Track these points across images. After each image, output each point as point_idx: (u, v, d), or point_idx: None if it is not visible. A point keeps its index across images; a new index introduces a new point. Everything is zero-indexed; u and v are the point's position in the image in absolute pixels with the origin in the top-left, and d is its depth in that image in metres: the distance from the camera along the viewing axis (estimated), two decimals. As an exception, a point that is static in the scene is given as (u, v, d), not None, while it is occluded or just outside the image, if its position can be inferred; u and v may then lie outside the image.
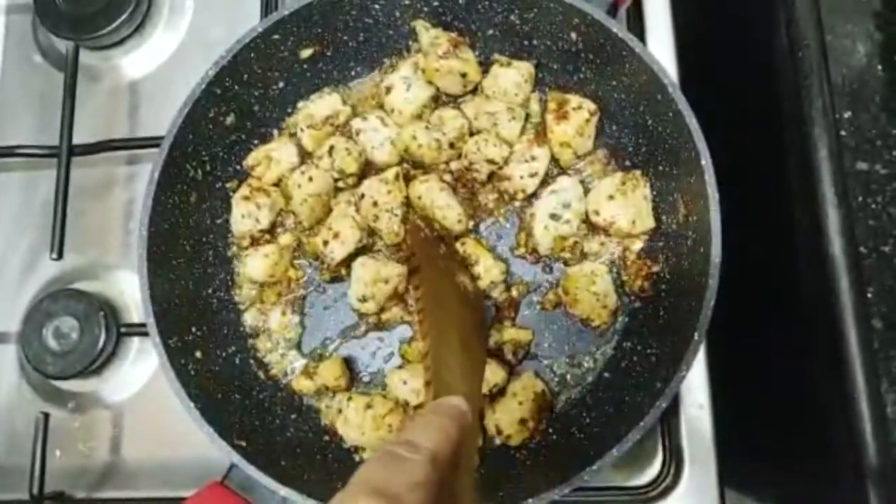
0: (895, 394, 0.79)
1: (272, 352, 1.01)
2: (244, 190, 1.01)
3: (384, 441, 0.61)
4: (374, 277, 0.96)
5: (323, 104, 1.03)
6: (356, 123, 1.02)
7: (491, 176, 1.00)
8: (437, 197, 0.97)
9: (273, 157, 1.02)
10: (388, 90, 1.02)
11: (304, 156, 1.04)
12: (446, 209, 0.97)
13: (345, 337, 1.01)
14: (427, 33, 1.00)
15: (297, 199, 1.00)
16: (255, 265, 1.00)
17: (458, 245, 0.98)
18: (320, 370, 0.97)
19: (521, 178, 0.98)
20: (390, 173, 0.99)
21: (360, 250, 0.99)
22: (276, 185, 1.03)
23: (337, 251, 0.98)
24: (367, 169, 1.03)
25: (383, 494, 0.50)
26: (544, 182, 0.99)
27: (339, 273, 1.00)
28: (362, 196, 0.98)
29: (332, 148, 1.00)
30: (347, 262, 0.99)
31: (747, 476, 1.09)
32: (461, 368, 0.74)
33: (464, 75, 1.00)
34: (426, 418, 0.63)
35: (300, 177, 1.00)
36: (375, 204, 0.97)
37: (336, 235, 0.98)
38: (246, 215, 1.00)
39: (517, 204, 1.01)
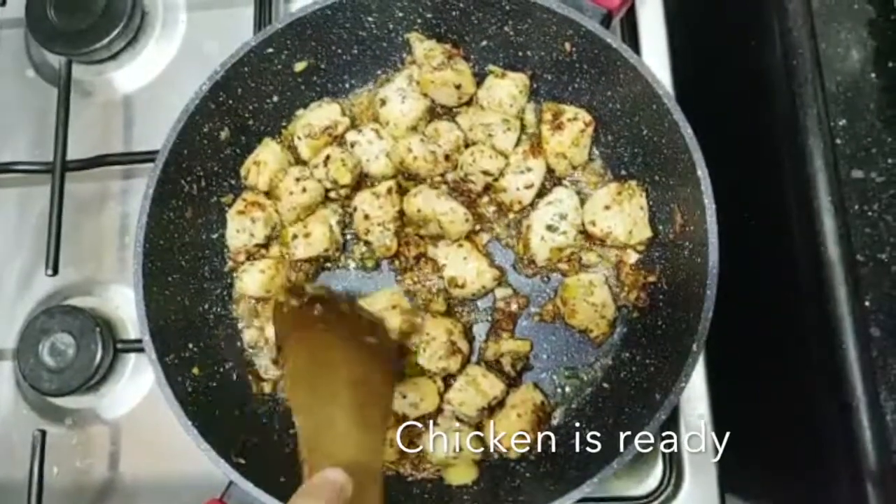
0: (894, 402, 0.79)
1: (270, 367, 1.01)
2: (239, 204, 1.01)
3: None
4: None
5: (322, 113, 1.03)
6: (351, 136, 1.02)
7: (487, 187, 1.00)
8: (437, 204, 0.97)
9: (260, 162, 1.01)
10: (383, 102, 1.01)
11: (295, 157, 1.03)
12: (451, 213, 0.97)
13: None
14: (421, 45, 1.00)
15: (285, 204, 1.00)
16: (250, 280, 1.00)
17: (454, 247, 0.98)
18: (318, 385, 0.96)
19: (517, 189, 0.98)
20: (382, 187, 0.98)
21: (324, 260, 1.01)
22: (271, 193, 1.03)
23: (300, 249, 0.99)
24: (363, 181, 1.03)
25: None
26: (541, 193, 0.99)
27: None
28: (355, 209, 0.98)
29: (328, 157, 1.00)
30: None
31: (748, 483, 1.09)
32: (352, 424, 0.74)
33: (458, 87, 1.00)
34: (302, 500, 0.65)
35: (294, 185, 1.00)
36: (367, 217, 0.97)
37: (307, 235, 0.99)
38: (241, 230, 1.00)
39: (513, 216, 1.01)
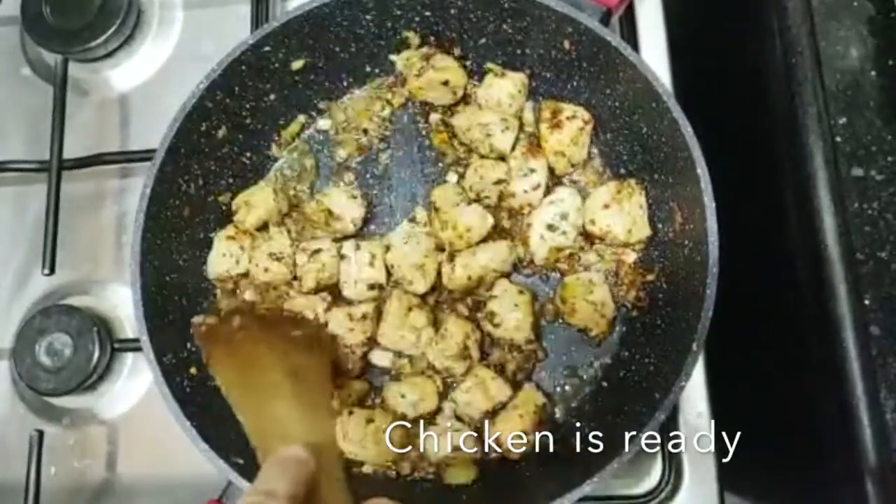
0: (894, 400, 0.79)
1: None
2: (230, 230, 1.00)
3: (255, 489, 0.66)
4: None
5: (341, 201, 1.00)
6: (347, 248, 0.97)
7: (501, 197, 0.98)
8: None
9: (251, 204, 1.00)
10: (388, 249, 0.97)
11: (289, 205, 1.02)
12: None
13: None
14: (399, 58, 1.01)
15: (252, 274, 0.99)
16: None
17: None
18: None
19: (525, 192, 0.97)
20: (357, 310, 0.96)
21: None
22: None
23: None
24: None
25: None
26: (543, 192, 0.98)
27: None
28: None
29: (315, 252, 0.97)
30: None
31: (748, 483, 1.09)
32: (300, 409, 0.79)
33: (446, 83, 0.99)
34: (274, 467, 0.68)
35: (265, 259, 0.98)
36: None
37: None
38: (227, 254, 0.99)
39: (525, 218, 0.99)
